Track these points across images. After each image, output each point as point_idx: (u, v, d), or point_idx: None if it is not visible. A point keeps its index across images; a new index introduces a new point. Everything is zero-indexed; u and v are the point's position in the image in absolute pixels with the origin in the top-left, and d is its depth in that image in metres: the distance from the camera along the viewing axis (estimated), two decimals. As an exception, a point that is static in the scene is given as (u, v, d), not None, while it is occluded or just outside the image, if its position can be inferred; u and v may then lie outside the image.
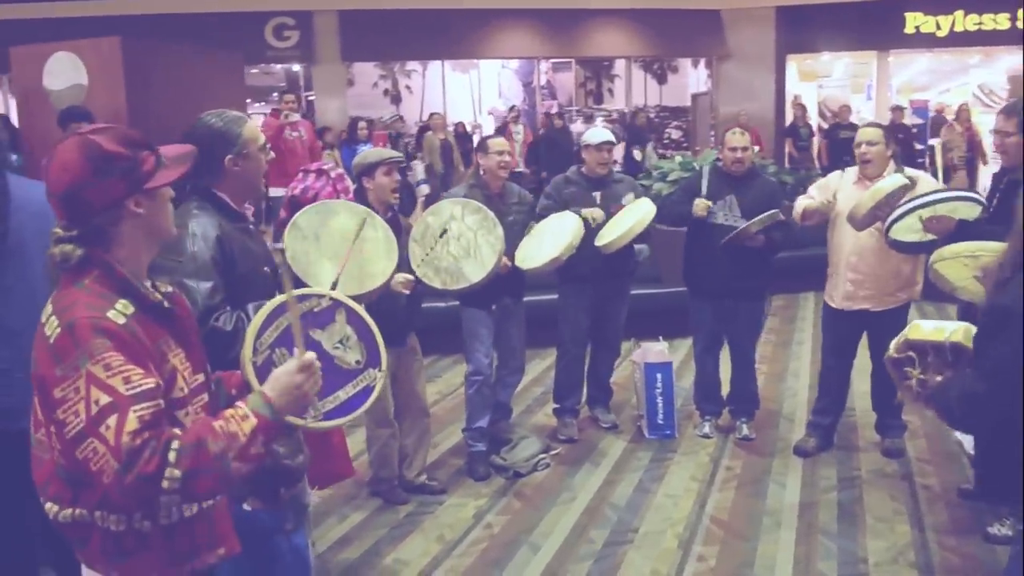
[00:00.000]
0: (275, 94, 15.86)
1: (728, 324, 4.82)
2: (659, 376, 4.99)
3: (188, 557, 1.73)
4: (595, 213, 4.63)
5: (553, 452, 4.83)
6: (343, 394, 2.07)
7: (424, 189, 11.08)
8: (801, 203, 4.54)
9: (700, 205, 4.60)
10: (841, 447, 4.72)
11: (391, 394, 4.21)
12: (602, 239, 4.65)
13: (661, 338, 5.23)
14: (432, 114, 13.50)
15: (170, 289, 1.84)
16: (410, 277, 3.94)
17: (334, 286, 2.65)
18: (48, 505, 1.70)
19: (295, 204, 8.75)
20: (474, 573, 3.62)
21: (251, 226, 2.61)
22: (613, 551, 3.75)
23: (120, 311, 1.63)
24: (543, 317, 5.34)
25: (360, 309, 2.18)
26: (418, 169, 11.57)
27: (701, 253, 4.71)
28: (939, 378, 2.27)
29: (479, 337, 4.59)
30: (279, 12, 14.02)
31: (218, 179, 2.50)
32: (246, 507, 2.45)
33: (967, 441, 4.29)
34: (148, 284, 1.77)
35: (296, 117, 9.39)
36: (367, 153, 4.26)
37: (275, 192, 8.44)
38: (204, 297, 2.35)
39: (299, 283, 2.82)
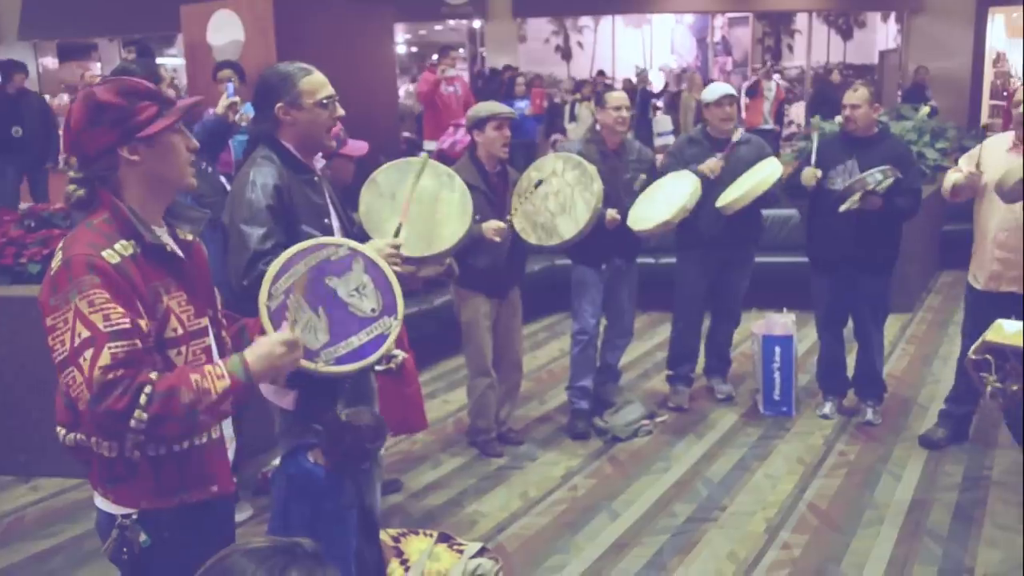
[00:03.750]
0: (461, 49, 16.18)
1: (851, 299, 4.45)
2: (778, 349, 4.70)
3: (176, 490, 1.80)
4: (713, 165, 4.40)
5: (659, 419, 4.69)
6: (356, 340, 2.08)
7: (665, 139, 11.29)
8: (949, 178, 4.08)
9: (808, 175, 4.27)
10: (976, 441, 4.28)
11: (489, 346, 4.23)
12: (723, 200, 4.42)
13: (786, 309, 4.92)
14: (687, 72, 13.31)
15: (190, 238, 1.91)
16: (502, 225, 3.92)
17: (397, 233, 2.66)
18: (57, 428, 1.82)
19: (443, 157, 8.98)
20: (546, 533, 3.59)
21: (315, 178, 2.65)
22: (694, 527, 3.59)
23: (118, 251, 1.70)
24: (671, 281, 5.15)
25: (378, 258, 2.18)
26: (664, 121, 12.18)
27: (820, 222, 4.37)
28: (1015, 388, 1.98)
29: (587, 296, 4.51)
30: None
31: (275, 127, 2.55)
32: (310, 458, 2.53)
33: None
34: (161, 229, 1.83)
35: (453, 72, 9.51)
36: (479, 107, 4.24)
37: (428, 145, 8.64)
38: (255, 241, 2.42)
39: (366, 238, 2.85)
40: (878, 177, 4.01)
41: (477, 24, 16.23)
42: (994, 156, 3.92)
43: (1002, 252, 3.92)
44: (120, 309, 1.65)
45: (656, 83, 14.88)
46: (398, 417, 3.57)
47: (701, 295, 4.81)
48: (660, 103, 12.90)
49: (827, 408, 4.69)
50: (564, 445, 4.46)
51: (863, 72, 15.44)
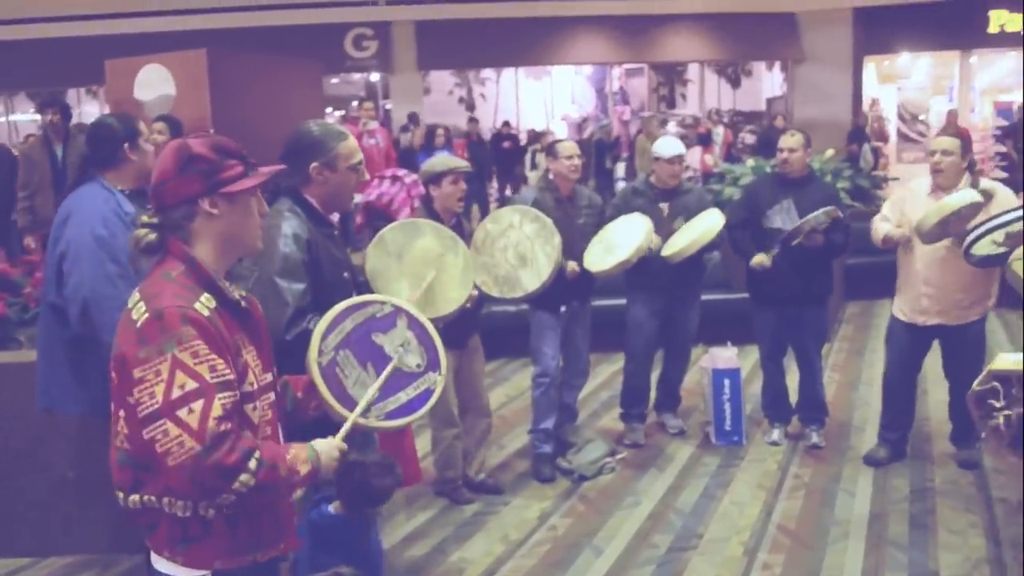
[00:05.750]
0: (354, 103, 16.28)
1: (792, 331, 4.76)
2: (727, 382, 4.96)
3: (250, 548, 1.82)
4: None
5: (619, 456, 4.84)
6: (404, 396, 2.16)
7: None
8: (880, 228, 4.42)
9: (756, 261, 4.58)
10: (914, 457, 4.62)
11: (454, 394, 4.30)
12: (669, 249, 4.64)
13: (730, 344, 5.19)
14: (646, 116, 13.95)
15: (244, 293, 1.96)
16: (474, 292, 4.02)
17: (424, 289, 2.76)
18: (118, 492, 1.82)
19: (370, 209, 8.97)
20: (537, 574, 3.67)
21: (335, 232, 2.73)
22: (677, 556, 3.75)
23: (204, 304, 1.75)
24: (613, 322, 5.36)
25: (420, 315, 2.27)
26: (618, 168, 12.98)
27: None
28: (1019, 411, 2.22)
29: (547, 339, 4.64)
30: (358, 23, 14.40)
31: (305, 183, 2.62)
32: (331, 509, 2.59)
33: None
34: (227, 284, 1.88)
35: (374, 125, 9.62)
36: (434, 161, 4.35)
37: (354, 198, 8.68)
38: (296, 298, 2.47)
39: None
40: (822, 219, 4.34)
41: (375, 77, 16.40)
42: (916, 201, 4.30)
43: (929, 288, 4.27)
44: (222, 361, 1.69)
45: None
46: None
47: (652, 334, 5.02)
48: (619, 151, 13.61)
49: (775, 435, 4.95)
50: (532, 487, 4.55)
51: (752, 118, 16.36)
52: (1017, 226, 3.59)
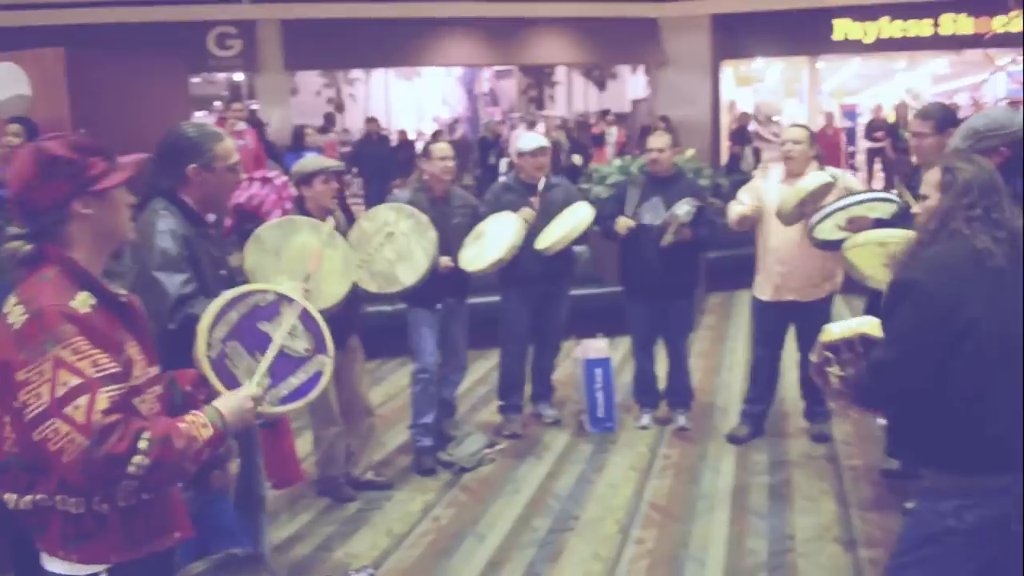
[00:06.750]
0: (217, 103, 15.82)
1: (662, 321, 5.02)
2: (598, 372, 5.17)
3: (145, 540, 1.83)
4: (526, 214, 4.77)
5: (497, 447, 4.97)
6: (295, 380, 2.21)
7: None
8: (735, 210, 4.74)
9: (621, 223, 4.80)
10: (772, 434, 4.96)
11: (335, 395, 4.31)
12: (541, 243, 4.80)
13: (601, 335, 5.41)
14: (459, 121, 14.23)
15: (124, 292, 1.95)
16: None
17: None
18: (6, 495, 1.79)
19: (239, 211, 8.77)
20: (423, 563, 3.75)
21: (211, 231, 2.72)
22: (556, 538, 3.91)
23: (83, 301, 1.74)
24: (487, 318, 5.48)
25: (303, 300, 2.32)
26: (502, 164, 12.95)
27: (634, 255, 4.91)
28: (852, 370, 2.47)
29: (424, 336, 4.72)
30: (222, 21, 13.98)
31: (181, 185, 2.61)
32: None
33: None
34: (106, 281, 1.87)
35: (242, 126, 9.41)
36: (305, 162, 4.35)
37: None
38: (177, 287, 2.47)
39: None
40: (686, 208, 4.59)
41: (239, 77, 16.00)
42: (770, 188, 4.64)
43: (782, 267, 4.61)
44: (106, 354, 1.68)
45: (428, 133, 15.48)
46: (279, 472, 3.59)
47: (526, 328, 5.17)
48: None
49: (645, 420, 5.20)
50: (414, 481, 4.62)
51: (619, 120, 16.91)
52: (858, 210, 3.92)
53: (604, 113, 15.92)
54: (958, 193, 2.30)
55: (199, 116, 14.96)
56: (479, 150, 13.84)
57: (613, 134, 13.83)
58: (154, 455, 1.69)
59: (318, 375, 2.25)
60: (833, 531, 3.84)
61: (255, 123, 11.09)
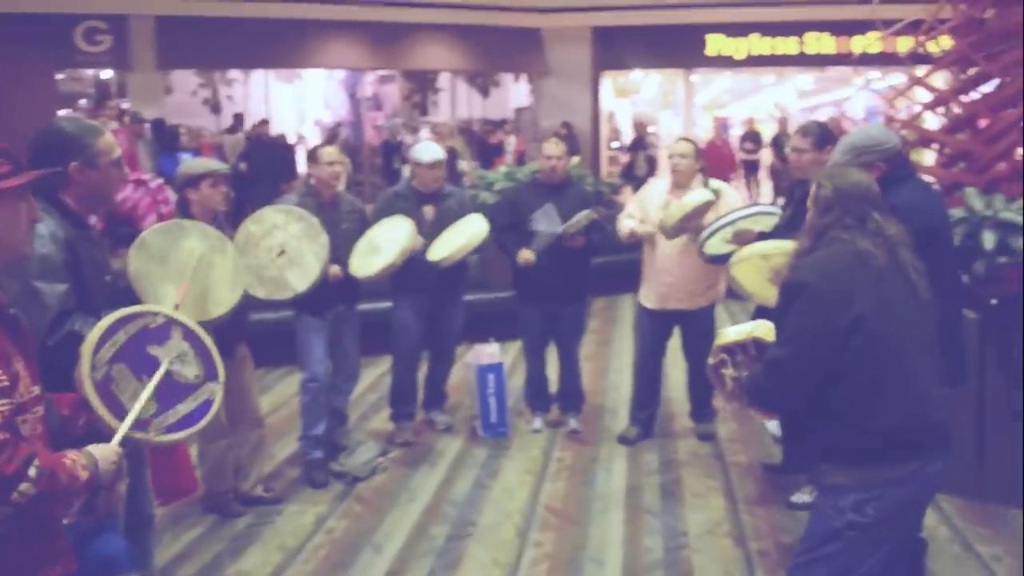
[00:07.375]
0: (83, 101, 14.97)
1: (554, 325, 5.08)
2: (491, 377, 5.18)
3: (25, 572, 1.72)
4: (416, 244, 4.62)
5: (390, 455, 4.90)
6: (183, 408, 2.10)
7: None
8: (626, 225, 4.83)
9: (523, 256, 4.85)
10: (661, 434, 5.09)
11: (223, 405, 4.14)
12: (435, 255, 4.75)
13: (492, 340, 5.42)
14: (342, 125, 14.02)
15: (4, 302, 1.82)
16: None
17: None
18: None
19: (110, 215, 8.33)
20: (317, 577, 3.65)
21: (93, 234, 2.56)
22: (455, 545, 3.88)
23: None
24: (378, 325, 5.40)
25: (194, 325, 2.21)
26: (405, 170, 12.97)
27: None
28: (746, 372, 2.56)
29: (313, 344, 4.60)
30: (90, 15, 13.23)
31: (62, 184, 2.45)
32: (65, 521, 2.41)
33: (772, 424, 4.75)
34: None
35: (114, 125, 8.99)
36: (192, 164, 4.18)
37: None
38: (58, 300, 2.30)
39: (135, 300, 2.77)
40: (584, 221, 4.69)
41: (107, 74, 15.22)
42: (656, 200, 4.76)
43: (670, 278, 4.75)
44: None
45: (311, 138, 15.15)
46: (170, 484, 3.40)
47: (418, 335, 5.11)
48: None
49: (537, 423, 5.25)
50: (305, 493, 4.49)
51: (502, 126, 17.05)
52: (743, 224, 4.09)
53: (501, 123, 16.01)
54: (821, 209, 2.46)
55: (64, 114, 14.15)
56: (382, 155, 13.66)
57: (512, 143, 13.95)
58: (40, 486, 1.60)
59: (208, 403, 2.16)
60: (723, 526, 3.97)
61: (138, 122, 10.61)
